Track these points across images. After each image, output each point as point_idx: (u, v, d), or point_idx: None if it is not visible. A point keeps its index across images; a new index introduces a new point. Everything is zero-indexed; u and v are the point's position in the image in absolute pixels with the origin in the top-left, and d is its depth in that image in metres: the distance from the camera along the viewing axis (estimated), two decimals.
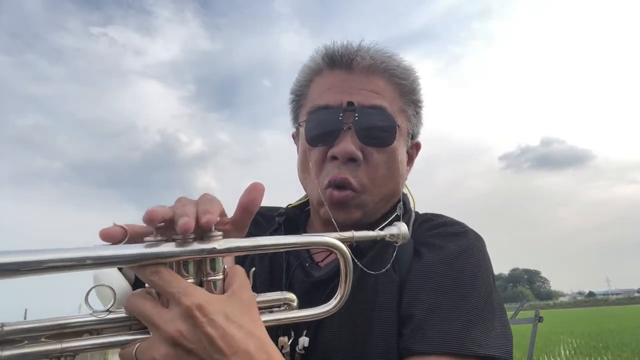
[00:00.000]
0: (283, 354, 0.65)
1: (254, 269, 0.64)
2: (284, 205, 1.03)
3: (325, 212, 0.88)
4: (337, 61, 0.90)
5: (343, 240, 0.63)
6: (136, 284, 0.60)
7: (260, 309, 0.59)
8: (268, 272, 0.93)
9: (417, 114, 0.97)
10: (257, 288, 0.65)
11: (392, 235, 0.70)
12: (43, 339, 0.50)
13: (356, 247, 0.86)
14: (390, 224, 0.74)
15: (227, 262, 0.59)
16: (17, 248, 0.46)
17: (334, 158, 0.86)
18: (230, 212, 0.60)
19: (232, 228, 0.59)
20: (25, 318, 0.54)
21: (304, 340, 0.81)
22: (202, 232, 0.54)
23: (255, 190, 0.58)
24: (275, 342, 0.68)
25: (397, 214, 0.92)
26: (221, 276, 0.56)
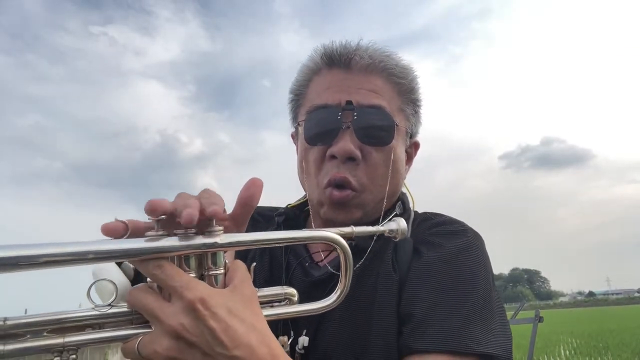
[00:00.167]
0: None
1: (254, 264, 0.64)
2: (284, 205, 1.04)
3: (325, 212, 0.88)
4: (336, 60, 0.91)
5: (343, 236, 0.64)
6: (135, 280, 0.60)
7: (261, 303, 0.59)
8: (268, 271, 0.93)
9: (416, 113, 0.97)
10: (257, 287, 0.65)
11: (391, 231, 0.70)
12: (45, 333, 0.50)
13: (355, 245, 0.86)
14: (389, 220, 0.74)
15: (228, 258, 0.59)
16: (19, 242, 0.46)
17: (333, 157, 0.86)
18: (229, 210, 0.60)
19: (231, 224, 0.59)
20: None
21: (303, 340, 0.81)
22: (203, 227, 0.54)
23: (254, 186, 0.58)
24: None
25: (396, 213, 0.92)
26: (222, 271, 0.56)
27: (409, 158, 1.01)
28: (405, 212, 0.95)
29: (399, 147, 0.91)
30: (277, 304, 0.64)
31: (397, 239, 0.72)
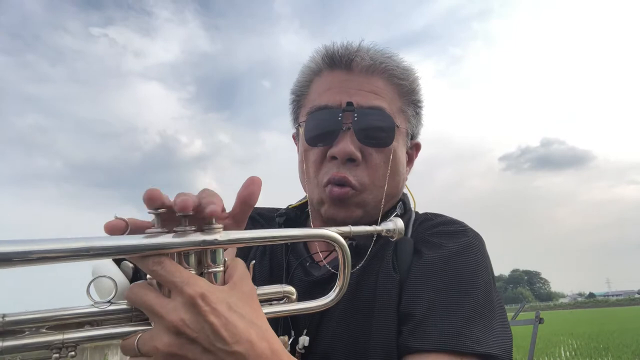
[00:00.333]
0: None
1: (253, 261, 0.64)
2: (284, 206, 1.04)
3: (325, 210, 0.88)
4: (337, 62, 0.91)
5: (341, 235, 0.64)
6: (134, 280, 0.60)
7: (260, 301, 0.59)
8: (268, 271, 0.94)
9: (417, 114, 0.97)
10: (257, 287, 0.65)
11: (388, 230, 0.71)
12: (44, 330, 0.50)
13: (356, 245, 0.87)
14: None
15: (228, 256, 0.60)
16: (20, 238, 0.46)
17: (334, 158, 0.87)
18: (229, 208, 0.60)
19: (231, 222, 0.59)
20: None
21: (304, 340, 0.81)
22: (202, 224, 0.54)
23: (253, 184, 0.58)
24: None
25: (396, 214, 0.92)
26: (222, 268, 0.56)
27: (410, 159, 1.01)
28: (406, 213, 0.95)
29: (399, 148, 0.91)
30: (275, 302, 0.64)
31: (394, 239, 0.72)
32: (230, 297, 0.52)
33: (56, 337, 0.50)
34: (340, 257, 0.64)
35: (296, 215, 1.01)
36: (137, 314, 0.54)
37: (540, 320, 4.84)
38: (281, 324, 0.85)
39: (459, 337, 0.70)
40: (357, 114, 0.86)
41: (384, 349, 0.75)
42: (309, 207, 1.00)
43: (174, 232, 0.53)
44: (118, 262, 0.60)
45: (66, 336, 0.50)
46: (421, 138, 1.02)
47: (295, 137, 1.01)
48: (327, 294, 0.66)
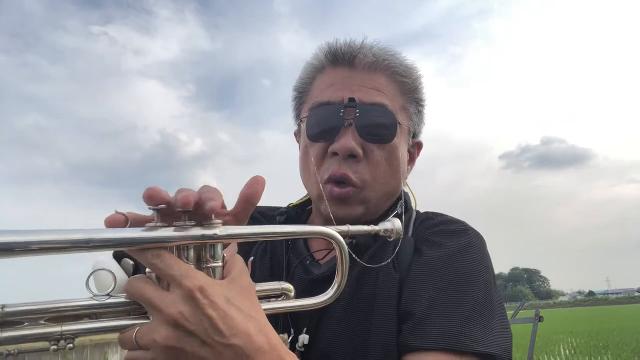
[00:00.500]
0: None
1: (252, 257, 0.64)
2: (285, 205, 1.04)
3: (325, 207, 0.88)
4: (340, 58, 0.91)
5: (339, 233, 0.64)
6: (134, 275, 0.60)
7: (258, 298, 0.59)
8: (268, 269, 0.94)
9: (419, 112, 0.97)
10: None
11: (386, 230, 0.71)
12: (43, 321, 0.51)
13: (356, 244, 0.87)
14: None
15: (228, 253, 0.60)
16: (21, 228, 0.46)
17: (335, 154, 0.87)
18: (231, 207, 0.60)
19: (232, 220, 0.59)
20: None
21: (303, 338, 0.81)
22: (202, 220, 0.55)
23: (257, 183, 0.59)
24: None
25: (397, 212, 0.92)
26: (220, 263, 0.56)
27: (412, 158, 1.01)
28: (407, 211, 0.94)
29: (401, 145, 0.91)
30: (273, 298, 0.64)
31: (392, 239, 0.73)
32: (228, 291, 0.53)
33: (55, 328, 0.50)
34: (338, 255, 0.64)
35: (297, 214, 1.01)
36: (135, 307, 0.54)
37: (540, 319, 4.84)
38: (281, 322, 0.85)
39: (459, 336, 0.70)
40: (359, 110, 0.86)
41: (384, 347, 0.75)
42: (310, 205, 1.01)
43: (174, 226, 0.53)
44: (118, 259, 0.60)
45: (65, 328, 0.50)
46: (421, 136, 1.02)
47: (297, 134, 1.01)
48: (329, 289, 0.66)
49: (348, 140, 0.85)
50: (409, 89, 0.93)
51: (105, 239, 0.49)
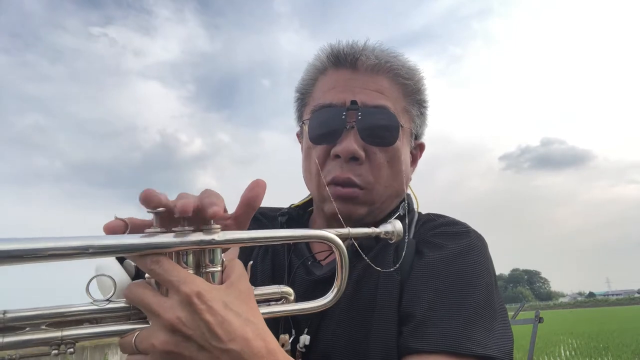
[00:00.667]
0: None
1: (251, 262, 0.64)
2: (287, 206, 1.04)
3: (329, 207, 0.88)
4: (342, 60, 0.91)
5: (339, 236, 0.64)
6: (136, 277, 0.60)
7: (257, 302, 0.59)
8: (270, 270, 0.94)
9: (422, 114, 0.97)
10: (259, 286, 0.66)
11: (386, 232, 0.71)
12: (44, 327, 0.51)
13: (358, 245, 0.87)
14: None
15: (229, 257, 0.60)
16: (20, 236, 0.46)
17: (337, 157, 0.86)
18: (230, 211, 0.61)
19: (233, 223, 0.59)
20: None
21: (304, 338, 0.81)
22: (201, 225, 0.55)
23: (258, 187, 0.59)
24: (276, 339, 0.69)
25: (399, 214, 0.92)
26: (219, 268, 0.57)
27: (414, 159, 1.01)
28: (409, 213, 0.94)
29: (403, 147, 0.91)
30: (273, 302, 0.64)
31: (393, 241, 0.73)
32: (226, 296, 0.53)
33: (55, 334, 0.50)
34: (337, 258, 0.64)
35: (298, 215, 1.01)
36: (135, 312, 0.55)
37: (540, 320, 4.83)
38: (282, 323, 0.85)
39: (459, 339, 0.70)
40: (361, 112, 0.85)
41: (384, 349, 0.75)
42: (312, 206, 1.00)
43: (173, 231, 0.53)
44: (121, 260, 0.61)
45: (65, 333, 0.51)
46: (423, 137, 1.02)
47: (299, 135, 1.01)
48: (329, 292, 0.66)
49: (350, 143, 0.84)
50: (411, 91, 0.93)
51: (104, 246, 0.50)
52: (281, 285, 0.65)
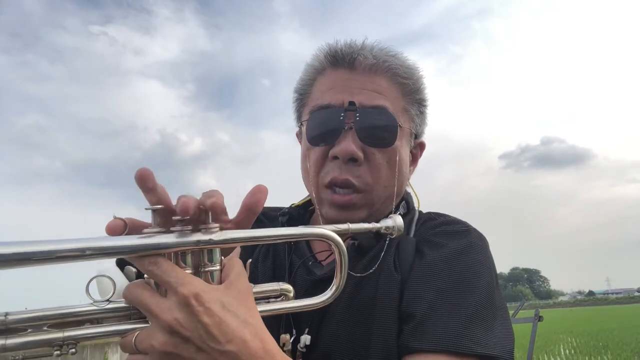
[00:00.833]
0: (285, 352, 0.65)
1: (250, 260, 0.65)
2: (287, 205, 1.03)
3: (327, 211, 0.88)
4: (340, 60, 0.90)
5: (339, 233, 0.64)
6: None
7: (256, 299, 0.60)
8: (271, 270, 0.94)
9: (421, 113, 0.96)
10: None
11: (387, 228, 0.71)
12: (45, 328, 0.52)
13: (358, 245, 0.87)
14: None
15: (230, 256, 0.60)
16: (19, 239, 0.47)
17: (335, 158, 0.86)
18: (231, 213, 0.61)
19: (234, 228, 0.59)
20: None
21: (305, 338, 0.81)
22: (199, 224, 0.55)
23: (260, 192, 0.59)
24: (277, 339, 0.69)
25: (400, 213, 0.92)
26: (218, 267, 0.57)
27: (414, 159, 1.00)
28: (409, 212, 0.94)
29: (402, 147, 0.91)
30: (273, 299, 0.65)
31: (394, 236, 0.73)
32: (224, 297, 0.53)
33: (57, 334, 0.51)
34: (336, 255, 0.64)
35: (299, 214, 1.01)
36: (135, 312, 0.55)
37: (540, 318, 4.83)
38: (283, 323, 0.85)
39: (459, 338, 0.69)
40: (359, 113, 0.85)
41: (385, 348, 0.75)
42: (312, 205, 1.00)
43: (171, 232, 0.54)
44: (122, 267, 0.61)
45: (67, 334, 0.51)
46: (423, 136, 1.01)
47: (299, 136, 1.01)
48: (327, 290, 0.66)
49: (348, 144, 0.84)
50: (410, 90, 0.92)
51: (102, 248, 0.50)
52: (280, 283, 0.65)
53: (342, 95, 0.87)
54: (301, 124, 0.96)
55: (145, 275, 0.55)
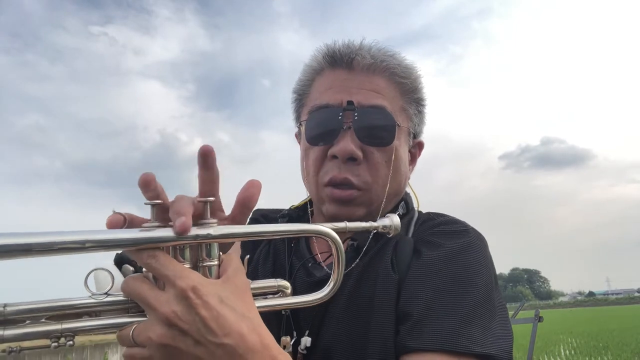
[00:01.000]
0: None
1: (248, 256, 0.65)
2: (286, 207, 1.04)
3: (327, 208, 0.88)
4: (338, 60, 0.91)
5: (336, 231, 0.65)
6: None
7: (254, 295, 0.60)
8: (270, 271, 0.94)
9: (420, 112, 0.96)
10: None
11: (384, 227, 0.71)
12: (44, 320, 0.52)
13: (357, 246, 0.87)
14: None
15: (230, 253, 0.61)
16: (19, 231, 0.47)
17: (334, 157, 0.87)
18: (228, 211, 0.62)
19: (230, 224, 0.60)
20: None
21: (306, 340, 0.81)
22: (197, 219, 0.56)
23: (253, 187, 0.60)
24: (278, 341, 0.69)
25: (398, 213, 0.92)
26: (216, 262, 0.57)
27: (413, 158, 1.00)
28: (408, 212, 0.94)
29: (401, 147, 0.91)
30: (270, 295, 0.65)
31: (391, 235, 0.73)
32: (222, 291, 0.53)
33: (55, 326, 0.51)
34: (334, 252, 0.65)
35: (298, 216, 1.01)
36: (133, 305, 0.56)
37: (540, 319, 4.83)
38: (283, 325, 0.85)
39: (457, 337, 0.69)
40: (358, 113, 0.85)
41: (383, 348, 0.75)
42: (312, 207, 1.00)
43: (169, 226, 0.54)
44: (119, 265, 0.62)
45: (65, 326, 0.52)
46: (422, 136, 1.01)
47: (298, 136, 1.01)
48: (325, 287, 0.67)
49: (347, 144, 0.84)
50: (408, 90, 0.93)
51: (101, 240, 0.50)
52: (278, 279, 0.65)
53: (340, 95, 0.88)
54: (300, 124, 0.96)
55: (144, 270, 0.56)
